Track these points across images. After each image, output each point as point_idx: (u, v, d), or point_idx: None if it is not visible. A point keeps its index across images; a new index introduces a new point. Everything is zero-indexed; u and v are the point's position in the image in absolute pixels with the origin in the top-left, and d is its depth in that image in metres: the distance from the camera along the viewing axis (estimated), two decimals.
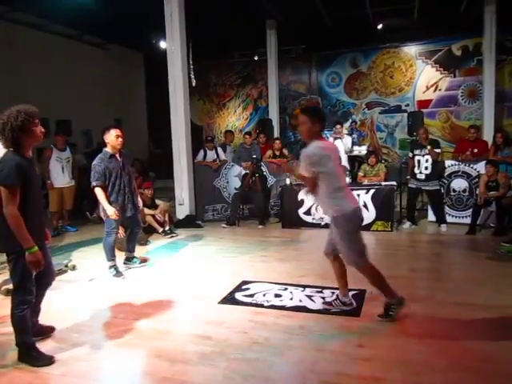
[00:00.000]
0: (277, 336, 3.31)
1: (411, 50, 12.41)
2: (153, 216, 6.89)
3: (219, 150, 8.36)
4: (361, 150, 9.87)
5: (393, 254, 5.47)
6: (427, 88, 12.27)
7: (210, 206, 8.04)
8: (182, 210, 7.73)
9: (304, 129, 3.37)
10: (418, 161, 6.79)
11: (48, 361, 2.98)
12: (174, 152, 7.65)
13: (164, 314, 3.85)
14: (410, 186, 7.04)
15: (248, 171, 7.68)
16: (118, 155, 4.84)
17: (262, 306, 3.92)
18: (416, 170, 6.83)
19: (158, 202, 7.12)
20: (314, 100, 13.54)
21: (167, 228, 6.97)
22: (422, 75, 12.32)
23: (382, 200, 6.71)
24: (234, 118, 14.63)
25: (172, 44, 7.44)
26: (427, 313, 3.65)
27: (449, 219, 6.93)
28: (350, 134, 10.04)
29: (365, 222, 5.93)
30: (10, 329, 3.01)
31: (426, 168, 6.71)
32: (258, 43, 12.38)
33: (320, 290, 4.22)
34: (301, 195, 7.11)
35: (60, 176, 7.19)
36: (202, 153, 8.15)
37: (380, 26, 11.60)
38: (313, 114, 3.37)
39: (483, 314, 3.59)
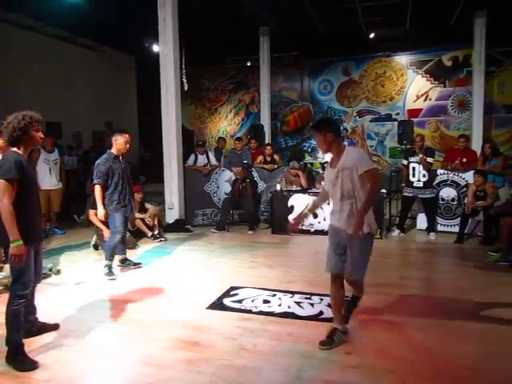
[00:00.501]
0: (265, 342, 3.30)
1: (402, 59, 12.56)
2: (142, 220, 6.84)
3: (210, 154, 8.40)
4: None
5: (382, 261, 5.47)
6: (417, 97, 12.41)
7: (200, 211, 8.02)
8: (172, 214, 7.69)
9: (319, 142, 3.30)
10: (413, 168, 6.78)
11: (32, 366, 2.96)
12: (165, 156, 7.62)
13: (151, 318, 3.81)
14: (405, 194, 6.96)
15: (239, 176, 7.68)
16: (121, 157, 5.01)
17: (250, 311, 3.91)
18: (412, 178, 6.80)
19: (147, 205, 7.09)
20: (305, 107, 13.63)
21: (156, 232, 6.93)
22: (412, 85, 12.46)
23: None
24: (226, 123, 14.63)
25: (165, 48, 7.43)
26: (415, 321, 3.66)
27: (437, 227, 6.99)
28: None
29: None
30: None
31: (424, 175, 6.73)
32: (251, 49, 12.43)
33: (309, 296, 4.22)
34: (291, 201, 7.12)
35: (47, 178, 7.12)
36: (192, 157, 8.16)
37: (372, 36, 11.71)
38: (320, 127, 3.27)
39: (471, 323, 3.61)
